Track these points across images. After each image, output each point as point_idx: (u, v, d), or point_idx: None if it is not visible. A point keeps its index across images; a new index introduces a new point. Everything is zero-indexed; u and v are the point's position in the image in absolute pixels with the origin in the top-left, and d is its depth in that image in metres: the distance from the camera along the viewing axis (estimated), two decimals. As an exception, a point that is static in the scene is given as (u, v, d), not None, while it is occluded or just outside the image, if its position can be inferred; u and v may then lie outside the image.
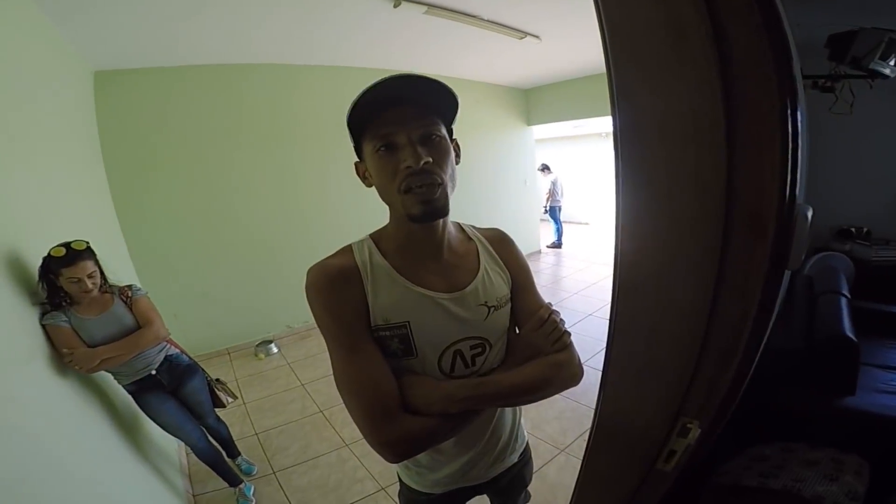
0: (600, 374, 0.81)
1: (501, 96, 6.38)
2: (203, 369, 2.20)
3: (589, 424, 0.91)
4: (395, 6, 2.98)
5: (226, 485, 2.24)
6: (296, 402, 3.27)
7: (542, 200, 7.77)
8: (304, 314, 4.60)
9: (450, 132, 0.79)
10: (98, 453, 1.61)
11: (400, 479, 1.09)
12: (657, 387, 0.71)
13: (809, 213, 0.55)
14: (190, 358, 2.14)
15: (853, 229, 2.75)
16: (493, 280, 0.89)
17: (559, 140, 9.90)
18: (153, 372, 1.91)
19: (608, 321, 0.76)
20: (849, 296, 2.07)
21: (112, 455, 1.71)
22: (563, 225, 7.90)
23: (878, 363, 1.96)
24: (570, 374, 0.83)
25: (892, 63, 2.06)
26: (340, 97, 4.47)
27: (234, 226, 4.14)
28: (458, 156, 0.81)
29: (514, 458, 1.07)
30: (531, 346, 0.85)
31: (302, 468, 2.54)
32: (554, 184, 7.65)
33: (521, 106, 6.78)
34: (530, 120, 6.92)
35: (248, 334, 4.33)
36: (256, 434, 2.91)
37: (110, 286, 1.81)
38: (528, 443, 1.14)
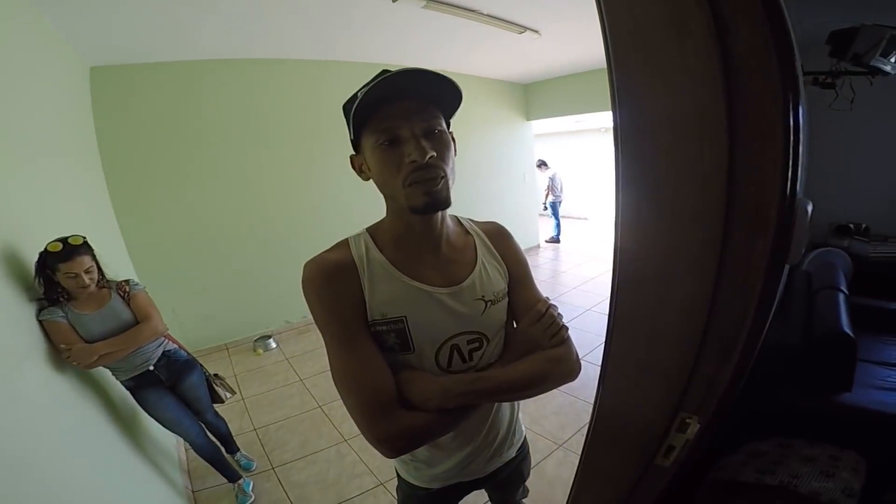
0: (599, 369, 0.80)
1: (501, 91, 6.36)
2: (201, 365, 2.20)
3: (587, 420, 0.91)
4: (394, 0, 2.96)
5: (225, 480, 2.25)
6: (294, 398, 3.27)
7: (541, 196, 7.77)
8: (302, 309, 4.60)
9: (447, 124, 0.79)
10: (96, 449, 1.61)
11: (398, 474, 1.09)
12: (656, 382, 0.71)
13: (809, 208, 0.55)
14: (188, 353, 2.14)
15: (852, 225, 2.75)
16: (490, 274, 0.88)
17: (558, 135, 9.87)
18: (151, 367, 1.91)
19: (607, 316, 0.76)
20: (847, 292, 2.07)
21: (110, 451, 1.71)
22: (562, 220, 7.90)
23: (876, 359, 1.97)
24: (567, 368, 0.84)
25: (892, 60, 2.05)
26: (338, 92, 4.44)
27: (231, 221, 4.13)
28: (454, 148, 0.81)
29: (512, 452, 1.07)
30: (529, 340, 0.85)
31: (301, 463, 2.54)
32: (552, 179, 7.66)
33: (521, 101, 6.76)
34: (529, 115, 6.90)
35: (247, 329, 4.33)
36: (255, 429, 2.91)
37: (108, 281, 1.81)
38: (525, 437, 1.15)
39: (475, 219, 0.99)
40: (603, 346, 0.79)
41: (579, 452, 0.95)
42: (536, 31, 3.97)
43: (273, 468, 2.52)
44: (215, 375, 2.31)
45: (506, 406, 1.01)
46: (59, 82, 2.73)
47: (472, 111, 5.78)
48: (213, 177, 3.99)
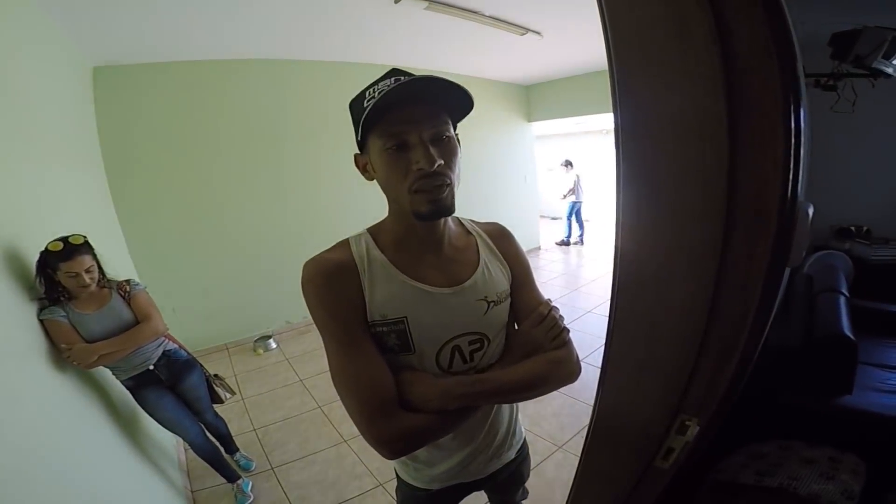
0: (599, 370, 0.80)
1: (502, 92, 6.37)
2: (201, 365, 2.20)
3: (587, 421, 0.91)
4: (396, 2, 2.96)
5: (224, 481, 2.24)
6: (294, 398, 3.27)
7: (560, 196, 7.39)
8: (302, 309, 4.59)
9: (454, 128, 0.78)
10: (96, 449, 1.61)
11: (397, 476, 1.09)
12: (656, 384, 0.71)
13: (810, 211, 0.55)
14: (188, 353, 2.14)
15: (853, 228, 2.75)
16: (492, 274, 0.88)
17: (560, 137, 9.87)
18: (151, 367, 1.91)
19: (607, 318, 0.76)
20: (848, 294, 2.07)
21: (110, 451, 1.71)
22: (561, 220, 7.68)
23: (876, 362, 1.97)
24: (568, 371, 0.84)
25: (895, 62, 2.06)
26: (340, 93, 4.45)
27: (232, 221, 4.14)
28: (460, 150, 0.80)
29: (512, 454, 1.07)
30: (530, 342, 0.85)
31: (300, 464, 2.54)
32: (577, 181, 7.26)
33: (522, 102, 6.77)
34: (531, 116, 6.91)
35: (247, 330, 4.33)
36: (255, 430, 2.91)
37: (108, 281, 1.81)
38: (525, 439, 1.14)
39: (476, 220, 0.99)
40: (603, 347, 0.79)
41: (579, 454, 0.95)
42: (538, 33, 3.98)
43: (273, 468, 2.52)
44: (215, 376, 2.31)
45: (505, 407, 1.01)
46: (62, 82, 2.73)
47: (474, 112, 5.73)
48: (215, 177, 4.00)
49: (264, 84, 4.12)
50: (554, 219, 9.93)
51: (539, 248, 7.40)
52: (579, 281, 5.64)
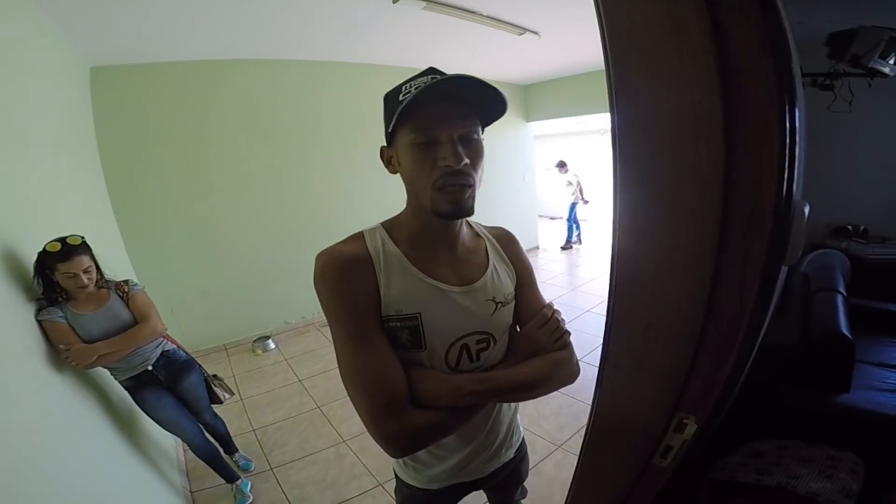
0: (597, 370, 0.81)
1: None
2: (200, 365, 2.20)
3: (585, 421, 0.91)
4: (394, 2, 2.96)
5: (223, 481, 2.24)
6: (293, 398, 3.27)
7: (565, 198, 7.24)
8: (301, 310, 4.62)
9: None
10: (95, 449, 1.61)
11: (396, 476, 1.09)
12: (654, 382, 0.71)
13: (806, 210, 0.55)
14: (187, 353, 2.13)
15: (850, 227, 2.75)
16: (500, 277, 0.90)
17: (557, 137, 9.88)
18: (150, 367, 1.91)
19: (605, 317, 0.77)
20: (845, 293, 2.07)
21: (109, 451, 1.71)
22: (561, 221, 7.63)
23: (874, 361, 1.97)
24: (568, 371, 0.86)
25: (891, 62, 2.06)
26: (338, 93, 4.47)
27: (231, 221, 4.13)
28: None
29: (511, 453, 1.08)
30: (533, 342, 0.87)
31: (299, 464, 2.54)
32: (579, 181, 7.18)
33: (520, 102, 6.78)
34: (529, 116, 6.91)
35: (246, 330, 4.33)
36: (254, 430, 2.91)
37: (107, 281, 1.81)
38: (524, 438, 1.15)
39: (479, 222, 1.01)
40: (601, 347, 0.79)
41: (578, 453, 0.96)
42: (536, 33, 3.98)
43: (272, 469, 2.52)
44: (214, 376, 2.31)
45: (506, 407, 1.01)
46: (60, 82, 2.73)
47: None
48: (213, 178, 3.99)
49: (263, 84, 4.12)
50: (552, 219, 9.92)
51: (538, 248, 7.40)
52: (578, 281, 5.64)
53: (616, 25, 0.59)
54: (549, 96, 6.55)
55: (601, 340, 0.79)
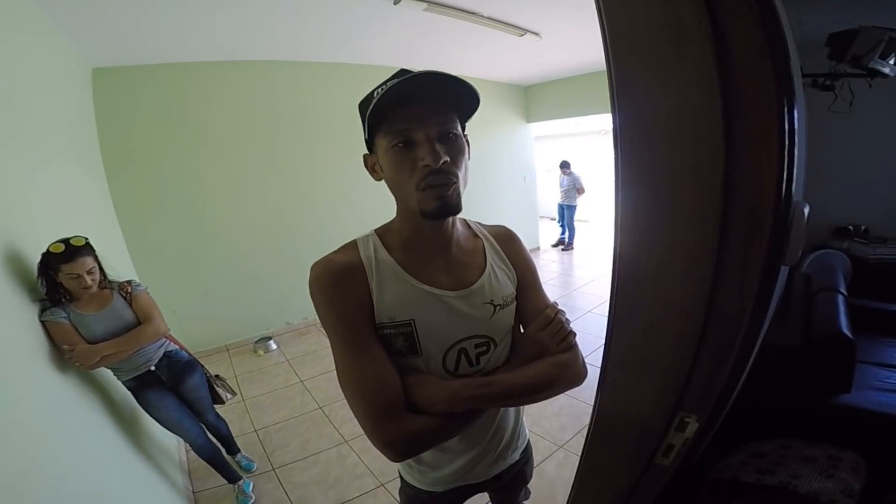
0: (598, 370, 0.81)
1: (501, 93, 6.38)
2: (202, 366, 2.20)
3: (587, 421, 0.91)
4: (395, 3, 2.97)
5: (225, 481, 2.25)
6: (295, 399, 3.28)
7: (574, 198, 7.11)
8: (303, 310, 4.62)
9: (462, 128, 0.78)
10: (98, 450, 1.61)
11: (401, 477, 1.08)
12: (655, 382, 0.71)
13: (806, 210, 0.56)
14: (189, 354, 2.14)
15: (851, 227, 2.75)
16: (499, 278, 0.88)
17: (558, 137, 9.88)
18: (152, 368, 1.92)
19: (606, 318, 0.77)
20: (846, 293, 2.07)
21: (112, 451, 1.72)
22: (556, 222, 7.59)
23: (875, 361, 1.97)
24: (574, 373, 0.83)
25: (891, 62, 2.06)
26: (340, 94, 4.48)
27: (232, 222, 4.15)
28: (468, 152, 0.80)
29: (516, 456, 1.07)
30: (537, 344, 0.85)
31: (302, 464, 2.55)
32: (575, 181, 7.04)
33: (521, 103, 6.78)
34: (530, 117, 6.91)
35: (247, 331, 4.34)
36: (256, 431, 2.92)
37: (110, 282, 1.82)
38: (529, 440, 1.14)
39: (481, 222, 0.99)
40: (602, 347, 0.80)
41: (580, 453, 0.96)
42: (537, 34, 3.99)
43: (274, 469, 2.53)
44: (216, 376, 2.31)
45: (510, 410, 1.00)
46: (62, 83, 2.74)
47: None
48: (215, 178, 4.01)
49: (265, 86, 4.13)
50: (553, 219, 9.91)
51: (539, 249, 7.40)
52: (579, 281, 5.64)
53: (617, 27, 0.60)
54: (550, 97, 6.56)
55: (603, 341, 0.79)
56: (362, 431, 0.74)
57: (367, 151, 0.82)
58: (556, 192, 7.36)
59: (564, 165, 7.06)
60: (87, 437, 1.58)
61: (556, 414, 2.77)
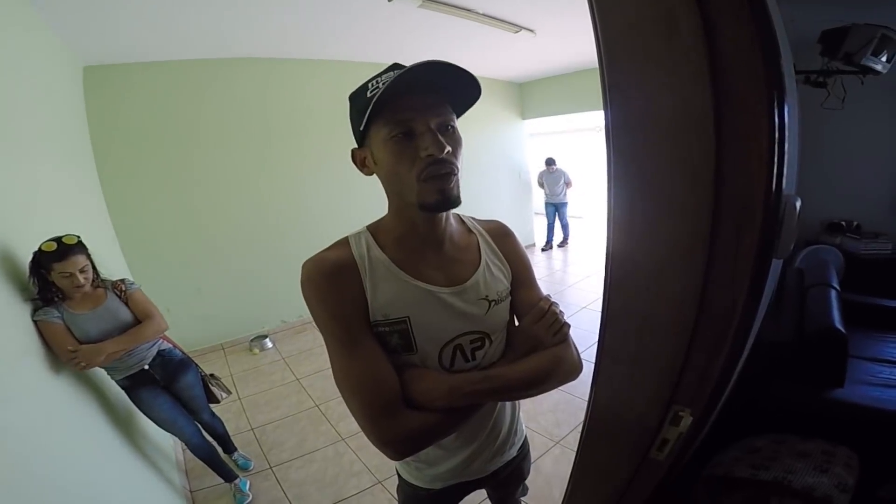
0: (593, 366, 0.81)
1: (496, 90, 6.37)
2: (197, 364, 2.20)
3: (583, 417, 0.91)
4: (390, 0, 2.96)
5: (223, 480, 2.25)
6: (291, 397, 3.27)
7: (564, 195, 6.87)
8: (298, 308, 4.60)
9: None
10: (93, 449, 1.61)
11: (399, 475, 1.08)
12: (649, 376, 0.72)
13: (798, 204, 0.56)
14: (183, 353, 2.13)
15: (844, 223, 2.78)
16: (493, 274, 0.88)
17: (553, 134, 9.88)
18: (146, 367, 1.91)
19: (600, 313, 0.77)
20: (839, 288, 2.09)
21: (107, 451, 1.71)
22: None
23: (867, 356, 1.99)
24: (570, 367, 0.83)
25: (883, 59, 2.08)
26: (333, 91, 4.46)
27: (226, 220, 4.13)
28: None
29: (514, 451, 1.07)
30: (531, 338, 0.84)
31: (298, 462, 2.54)
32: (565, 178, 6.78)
33: (516, 100, 6.78)
34: (524, 114, 6.92)
35: (243, 329, 4.32)
36: (252, 429, 2.91)
37: (102, 281, 1.80)
38: (526, 436, 1.14)
39: (476, 217, 0.98)
40: (597, 343, 0.80)
41: (576, 449, 0.96)
42: (531, 31, 3.98)
43: (271, 467, 2.52)
44: (211, 375, 2.30)
45: (507, 406, 1.00)
46: (53, 81, 2.71)
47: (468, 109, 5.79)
48: (208, 176, 3.98)
49: (257, 82, 4.11)
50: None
51: (534, 246, 7.39)
52: (573, 278, 5.66)
53: (609, 23, 0.60)
54: (545, 94, 6.56)
55: (597, 337, 0.79)
56: (359, 429, 0.74)
57: (355, 146, 0.81)
58: (540, 191, 7.03)
59: (550, 162, 6.77)
60: (82, 436, 1.57)
61: (552, 410, 2.78)
